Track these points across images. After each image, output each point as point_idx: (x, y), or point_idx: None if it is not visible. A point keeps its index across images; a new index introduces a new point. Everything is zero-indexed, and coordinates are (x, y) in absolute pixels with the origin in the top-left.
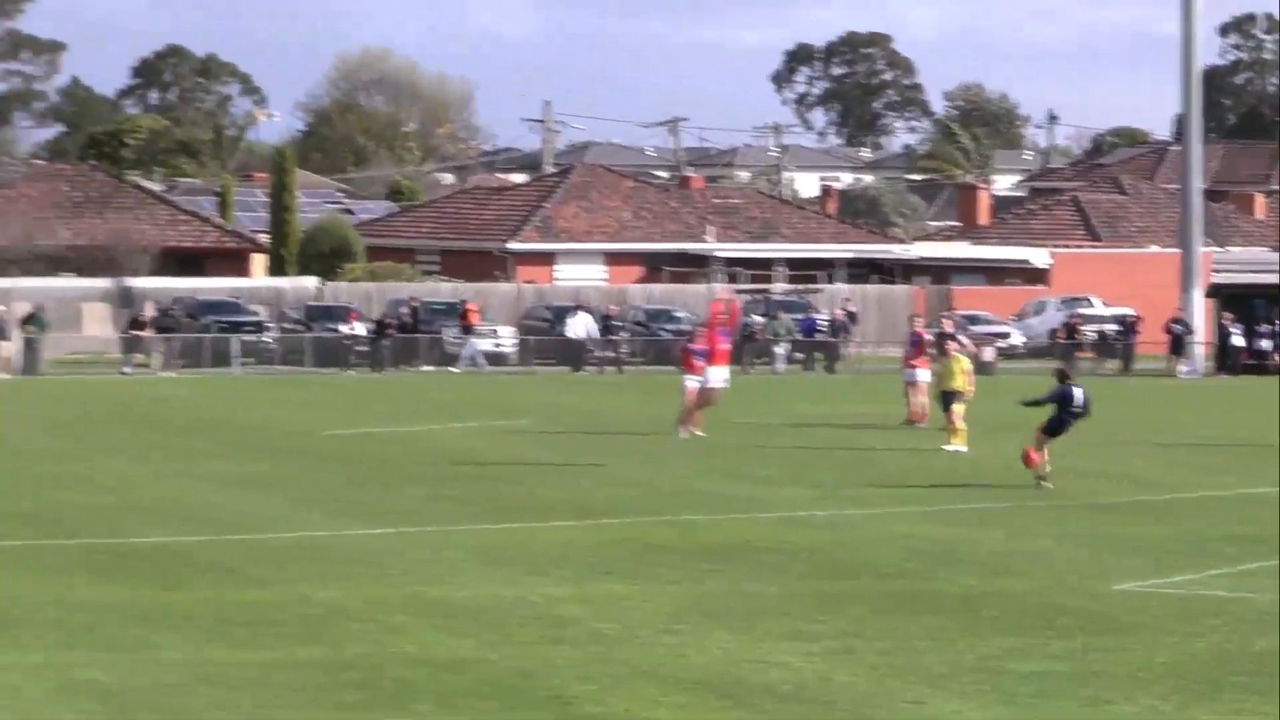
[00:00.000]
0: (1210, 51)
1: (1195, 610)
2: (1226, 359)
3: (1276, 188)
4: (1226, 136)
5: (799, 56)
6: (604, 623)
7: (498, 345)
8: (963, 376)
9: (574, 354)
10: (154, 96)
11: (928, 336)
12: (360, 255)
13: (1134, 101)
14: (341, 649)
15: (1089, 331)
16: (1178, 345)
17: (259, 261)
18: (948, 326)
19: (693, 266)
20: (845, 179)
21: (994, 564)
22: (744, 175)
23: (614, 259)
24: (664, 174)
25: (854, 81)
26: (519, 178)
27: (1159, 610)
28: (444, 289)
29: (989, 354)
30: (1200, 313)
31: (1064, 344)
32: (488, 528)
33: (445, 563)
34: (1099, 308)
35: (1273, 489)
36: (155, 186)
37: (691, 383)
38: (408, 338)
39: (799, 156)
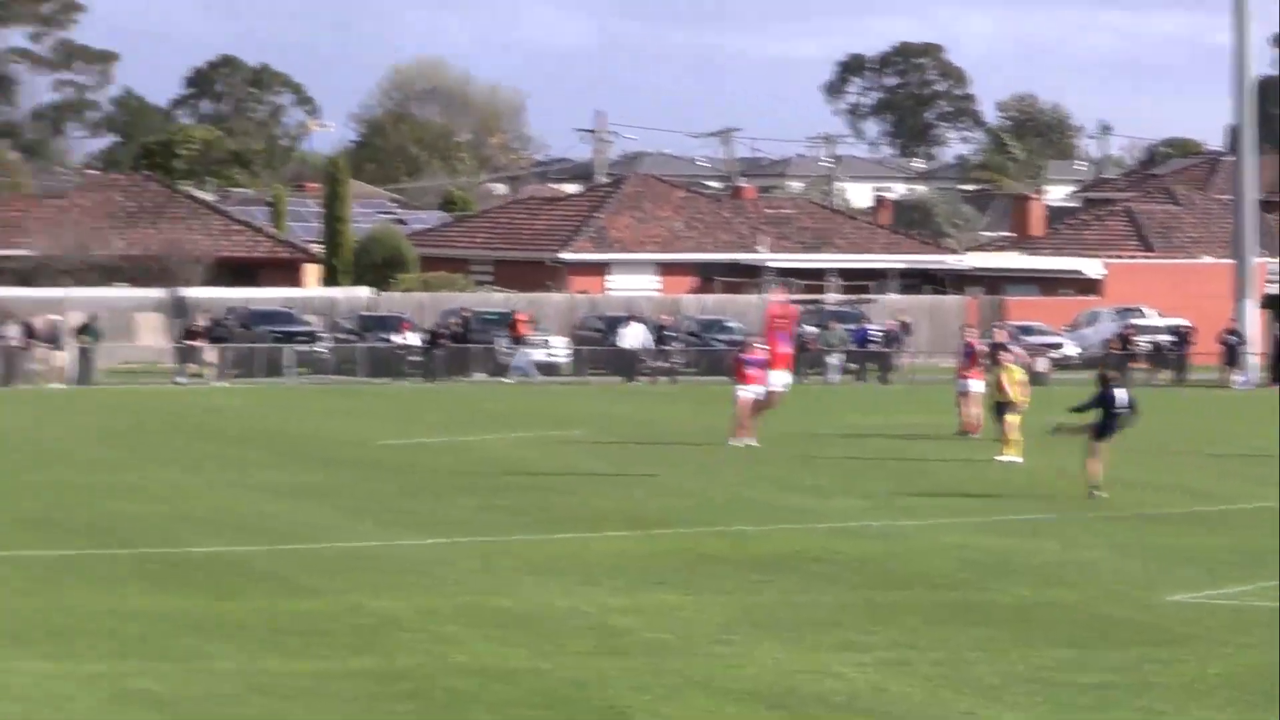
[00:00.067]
0: (1263, 62)
1: (1249, 621)
2: None
3: None
4: None
5: (851, 67)
6: (657, 633)
7: (550, 355)
8: (1016, 387)
9: (627, 364)
10: (207, 107)
11: (980, 347)
12: (413, 265)
13: (1187, 112)
14: (394, 659)
15: (1143, 342)
16: (1231, 356)
17: (312, 272)
18: (1001, 337)
19: (745, 277)
20: (897, 189)
21: (1047, 575)
22: (796, 185)
23: (666, 269)
24: (716, 184)
25: (906, 92)
26: (571, 188)
27: (1212, 621)
28: (496, 299)
29: (1042, 364)
30: (1254, 323)
31: (1118, 354)
32: (540, 538)
33: (498, 573)
34: (1152, 318)
35: None
36: (208, 196)
37: (744, 393)
38: (460, 348)
39: (851, 167)
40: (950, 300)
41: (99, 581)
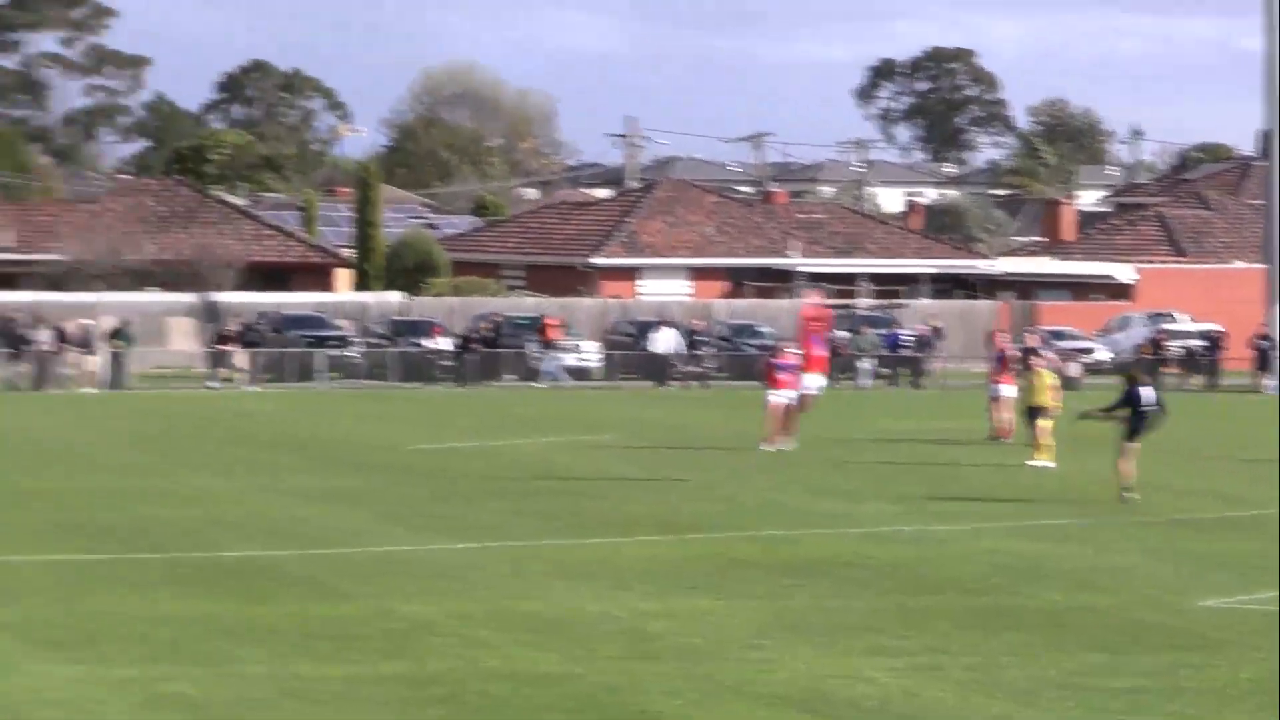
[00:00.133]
0: None
1: None
2: None
3: None
4: None
5: (883, 72)
6: (689, 638)
7: (581, 360)
8: (1049, 392)
9: (658, 369)
10: (238, 111)
11: (1012, 352)
12: (445, 270)
13: (1218, 117)
14: (426, 663)
15: (1174, 347)
16: (1263, 360)
17: (343, 276)
18: (1032, 342)
19: (776, 281)
20: (928, 194)
21: (1079, 579)
22: (828, 190)
23: (698, 274)
24: (748, 189)
25: (938, 97)
26: (603, 192)
27: (1245, 626)
28: (527, 304)
29: (1074, 369)
30: None
31: (1149, 359)
32: (572, 542)
33: (529, 577)
34: (1184, 323)
35: None
36: (240, 201)
37: (775, 398)
38: (491, 352)
39: (882, 172)
40: (982, 305)
41: (131, 586)
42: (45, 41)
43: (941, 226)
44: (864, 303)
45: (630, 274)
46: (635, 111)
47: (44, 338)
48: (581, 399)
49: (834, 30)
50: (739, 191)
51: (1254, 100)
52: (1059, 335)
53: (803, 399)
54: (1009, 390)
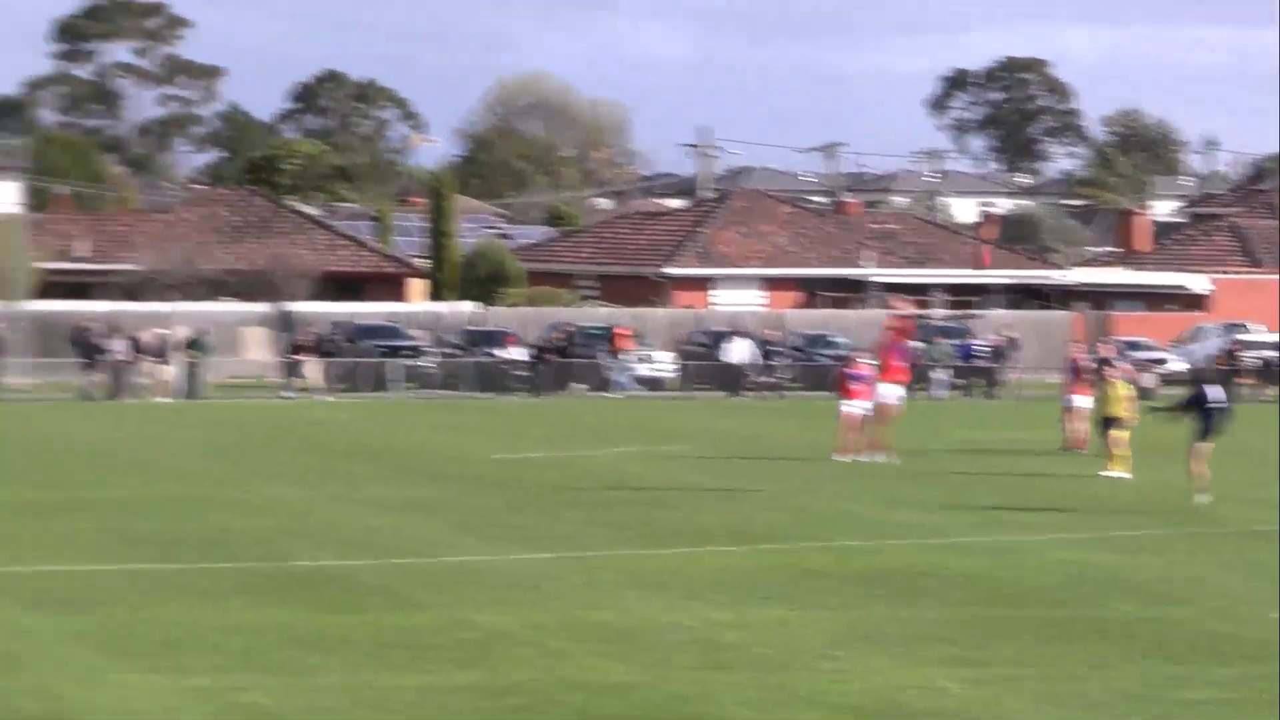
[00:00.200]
0: None
1: None
2: None
3: None
4: None
5: (956, 82)
6: (763, 648)
7: (654, 370)
8: (1123, 403)
9: (732, 379)
10: (312, 122)
11: (1085, 363)
12: (519, 280)
13: None
14: (501, 673)
15: (1249, 357)
16: None
17: (417, 286)
18: (1107, 352)
19: (849, 292)
20: (1002, 204)
21: (1154, 591)
22: (901, 200)
23: (771, 284)
24: (821, 199)
25: (1011, 107)
26: (676, 203)
27: None
28: (601, 314)
29: (1148, 380)
30: None
31: (1224, 370)
32: (645, 553)
33: (603, 587)
34: (1259, 333)
35: None
36: (314, 211)
37: (848, 408)
38: (566, 362)
39: (956, 182)
40: (1056, 316)
41: (205, 595)
42: (120, 51)
43: (1015, 237)
44: (938, 313)
45: (703, 284)
46: (708, 121)
47: (119, 347)
48: (655, 409)
49: (907, 41)
50: (812, 201)
51: None
52: (1134, 346)
53: (882, 409)
54: (1083, 401)
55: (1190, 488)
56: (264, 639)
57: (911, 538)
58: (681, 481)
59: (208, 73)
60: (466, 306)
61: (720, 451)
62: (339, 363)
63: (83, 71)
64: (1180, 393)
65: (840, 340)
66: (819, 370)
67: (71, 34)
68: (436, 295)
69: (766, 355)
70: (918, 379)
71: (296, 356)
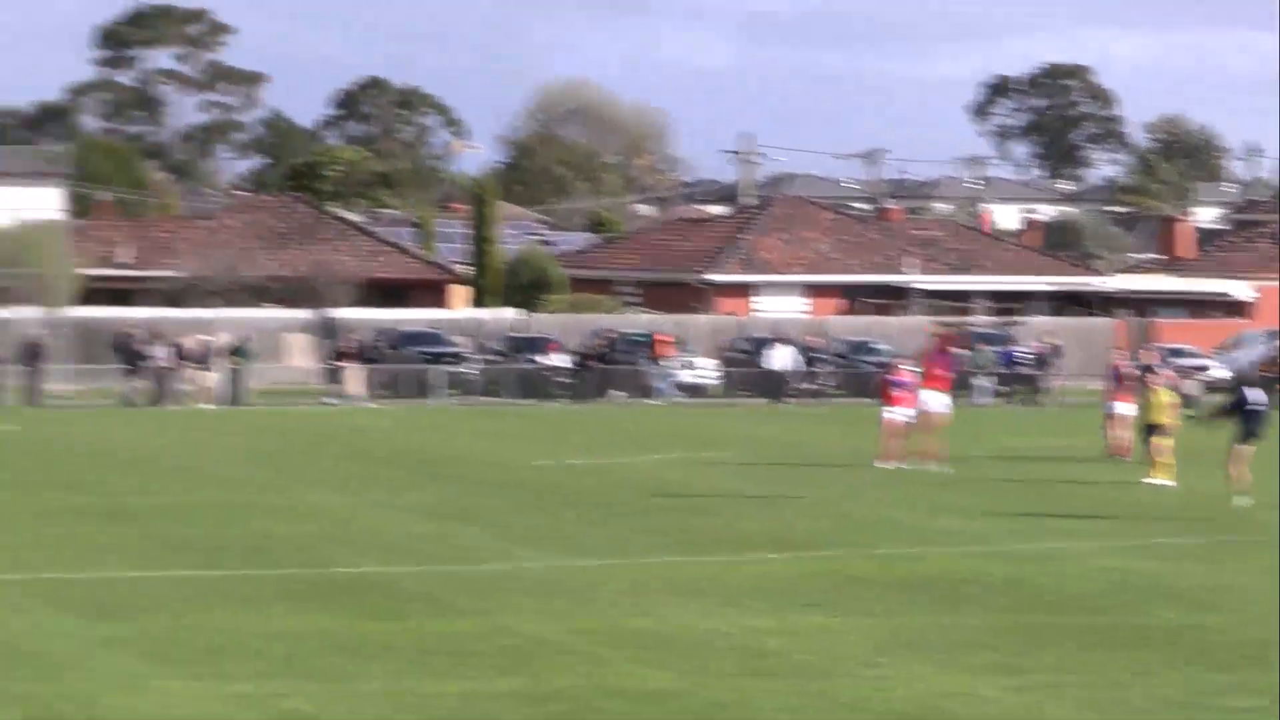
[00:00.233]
0: None
1: None
2: None
3: None
4: None
5: (999, 88)
6: (804, 655)
7: (697, 377)
8: (1166, 410)
9: (774, 386)
10: (354, 128)
11: (1128, 370)
12: (561, 287)
13: None
14: (542, 680)
15: None
16: None
17: (459, 293)
18: (1149, 359)
19: (892, 298)
20: (1044, 211)
21: (1197, 599)
22: (943, 207)
23: (813, 290)
24: (863, 205)
25: (1054, 113)
26: (717, 209)
27: None
28: (643, 320)
29: (1191, 387)
30: None
31: (1268, 377)
32: (686, 560)
33: (644, 594)
34: None
35: None
36: (356, 218)
37: (890, 415)
38: (608, 369)
39: (998, 188)
40: (1099, 323)
41: (247, 602)
42: (162, 58)
43: (1058, 244)
44: (981, 320)
45: (745, 290)
46: (750, 128)
47: (161, 354)
48: (697, 416)
49: (949, 47)
50: (855, 208)
51: None
52: (1177, 353)
53: (930, 417)
54: (1126, 408)
55: (1229, 490)
56: (306, 645)
57: (954, 544)
58: (723, 488)
59: (250, 79)
60: (509, 313)
61: (762, 458)
62: (381, 369)
63: (125, 78)
64: (1219, 399)
65: (882, 347)
66: (861, 377)
67: (114, 40)
68: (479, 302)
69: (809, 362)
70: (960, 386)
71: (339, 363)
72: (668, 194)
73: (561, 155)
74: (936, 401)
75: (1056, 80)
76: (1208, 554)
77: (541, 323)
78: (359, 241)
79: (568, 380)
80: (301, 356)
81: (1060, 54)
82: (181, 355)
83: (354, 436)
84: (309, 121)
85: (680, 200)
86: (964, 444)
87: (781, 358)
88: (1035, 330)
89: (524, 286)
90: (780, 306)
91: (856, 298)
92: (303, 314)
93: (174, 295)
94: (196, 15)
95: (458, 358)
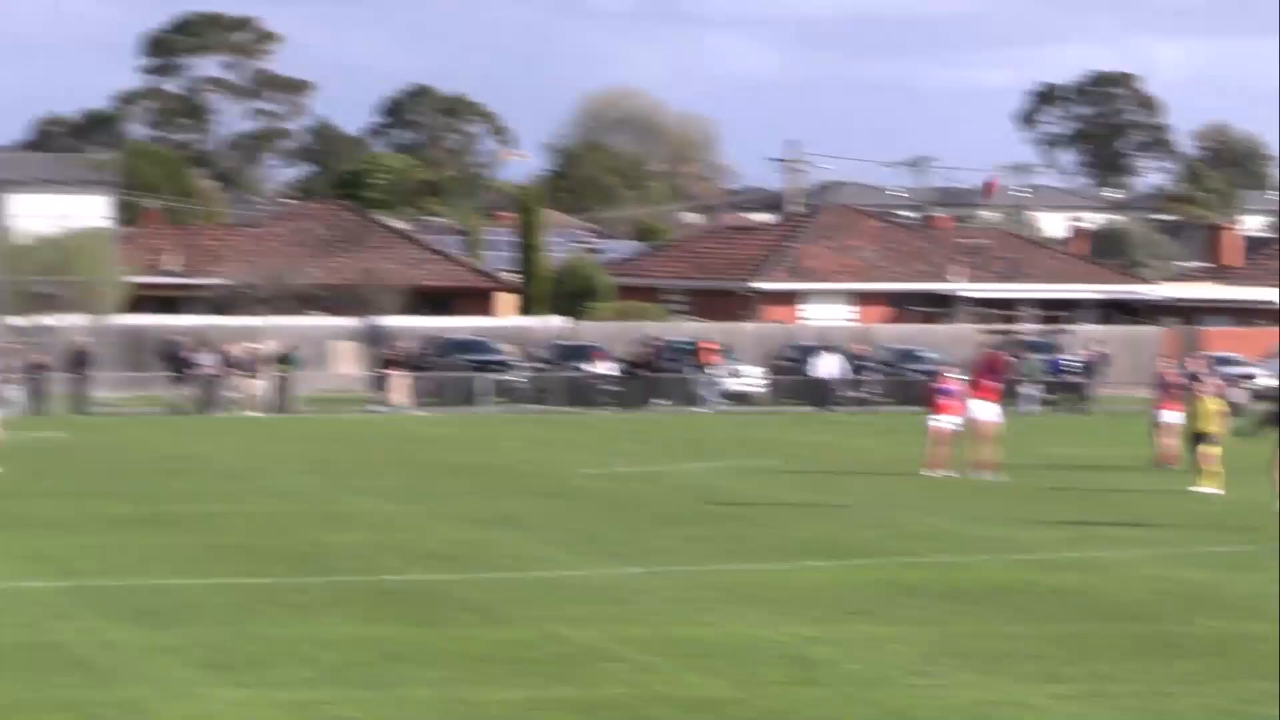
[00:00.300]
0: None
1: None
2: None
3: None
4: None
5: (1045, 96)
6: (855, 664)
7: (743, 384)
8: (1213, 418)
9: (821, 394)
10: (401, 136)
11: (1175, 378)
12: (608, 294)
13: None
14: (592, 688)
15: None
16: None
17: (506, 301)
18: (1196, 367)
19: (939, 306)
20: (1090, 219)
21: (1245, 607)
22: (990, 215)
23: (860, 299)
24: (909, 213)
25: (1100, 121)
26: (764, 217)
27: None
28: (689, 328)
29: (1238, 395)
30: None
31: None
32: (735, 567)
33: (695, 602)
34: None
35: None
36: (402, 225)
37: (937, 423)
38: (655, 377)
39: (1045, 196)
40: (1146, 331)
41: (295, 609)
42: (209, 66)
43: (1104, 252)
44: (1029, 328)
45: (792, 298)
46: (796, 135)
47: (208, 361)
48: (744, 424)
49: (995, 54)
50: (901, 216)
51: None
52: (1223, 361)
53: (982, 427)
54: (1173, 416)
55: (1274, 496)
56: (355, 653)
57: (1001, 553)
58: (770, 496)
59: (297, 86)
60: (555, 321)
61: (809, 466)
62: (428, 377)
63: (173, 85)
64: (1265, 407)
65: (929, 355)
66: (907, 385)
67: (161, 48)
68: (525, 310)
69: (855, 370)
70: (1007, 394)
71: (386, 371)
72: (714, 202)
73: (608, 163)
74: (987, 411)
75: (1103, 88)
76: (1255, 562)
77: (588, 331)
78: (406, 249)
79: (614, 388)
80: (348, 364)
81: (1106, 62)
82: (229, 363)
83: (401, 444)
84: (356, 129)
85: (727, 208)
86: (1010, 452)
87: (828, 366)
88: (1082, 338)
89: (571, 294)
90: (827, 314)
91: (903, 306)
92: (349, 322)
93: (221, 303)
94: (243, 23)
95: (504, 366)
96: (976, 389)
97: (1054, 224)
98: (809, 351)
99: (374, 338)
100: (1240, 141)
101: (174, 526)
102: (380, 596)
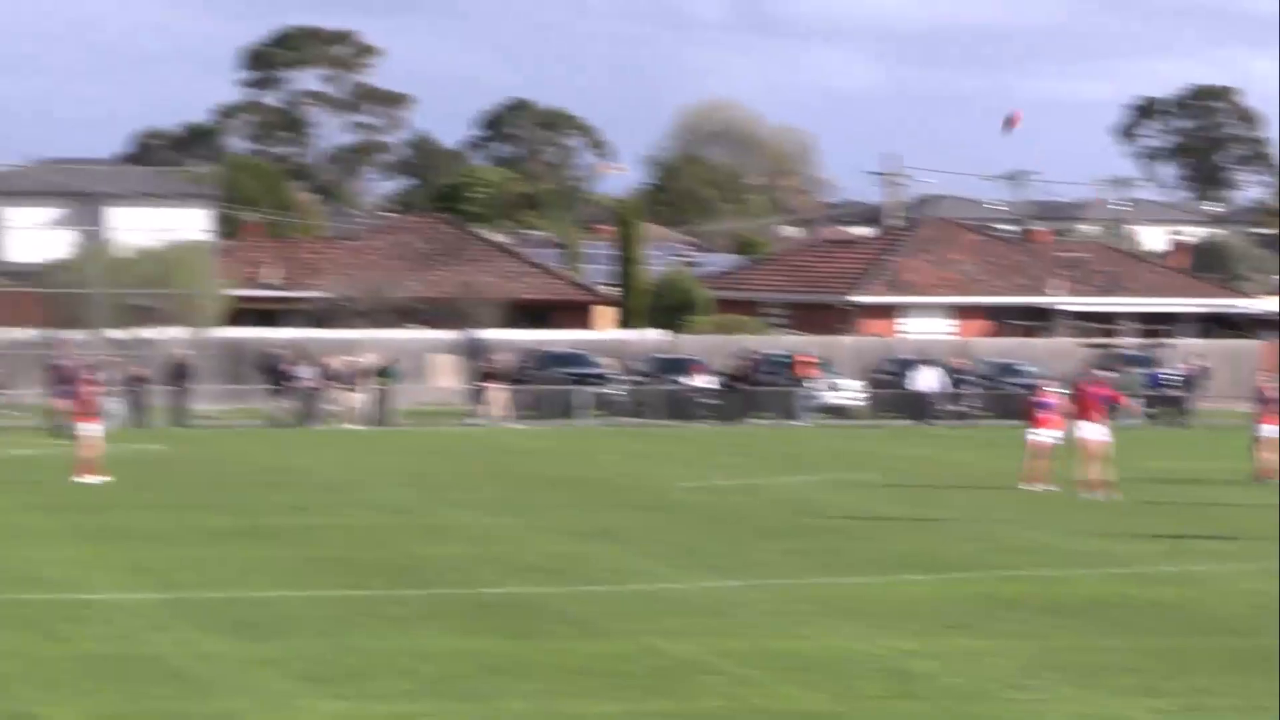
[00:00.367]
0: None
1: None
2: None
3: None
4: None
5: (1145, 110)
6: (953, 678)
7: (841, 398)
8: None
9: (920, 407)
10: (500, 149)
11: (1273, 393)
12: (706, 308)
13: None
14: (693, 701)
15: None
16: None
17: (604, 314)
18: None
19: (1038, 320)
20: (1191, 232)
21: None
22: (1089, 228)
23: (959, 312)
24: (1009, 227)
25: (1201, 135)
26: (862, 230)
27: None
28: (788, 341)
29: None
30: None
31: None
32: (834, 581)
33: (793, 615)
34: None
35: None
36: (501, 239)
37: (1036, 437)
38: (753, 390)
39: (1145, 210)
40: (1246, 345)
41: (394, 622)
42: (308, 79)
43: (1206, 265)
44: (1129, 341)
45: (891, 312)
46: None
47: (308, 374)
48: (843, 437)
49: (1094, 67)
50: (1000, 229)
51: None
52: None
53: (1092, 446)
54: (1272, 431)
55: None
56: (454, 666)
57: (1098, 566)
58: (869, 510)
59: (395, 100)
60: (653, 334)
61: (908, 480)
62: (526, 390)
63: (272, 99)
64: None
65: (1028, 368)
66: (1006, 398)
67: (261, 62)
68: (624, 323)
69: (954, 383)
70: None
71: (484, 384)
72: (813, 215)
73: (706, 176)
74: (1095, 431)
75: (1203, 101)
76: None
77: (686, 344)
78: (504, 262)
79: (713, 401)
80: (447, 377)
81: (1206, 75)
82: (328, 375)
83: (499, 457)
84: (454, 142)
85: (826, 221)
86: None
87: (927, 379)
88: (1182, 352)
89: (669, 308)
90: (926, 328)
91: (1002, 319)
92: (448, 335)
93: (320, 316)
94: (342, 37)
95: (603, 379)
96: (1083, 410)
97: (1154, 238)
98: (908, 365)
99: (472, 351)
100: None
101: (273, 539)
102: (478, 609)
